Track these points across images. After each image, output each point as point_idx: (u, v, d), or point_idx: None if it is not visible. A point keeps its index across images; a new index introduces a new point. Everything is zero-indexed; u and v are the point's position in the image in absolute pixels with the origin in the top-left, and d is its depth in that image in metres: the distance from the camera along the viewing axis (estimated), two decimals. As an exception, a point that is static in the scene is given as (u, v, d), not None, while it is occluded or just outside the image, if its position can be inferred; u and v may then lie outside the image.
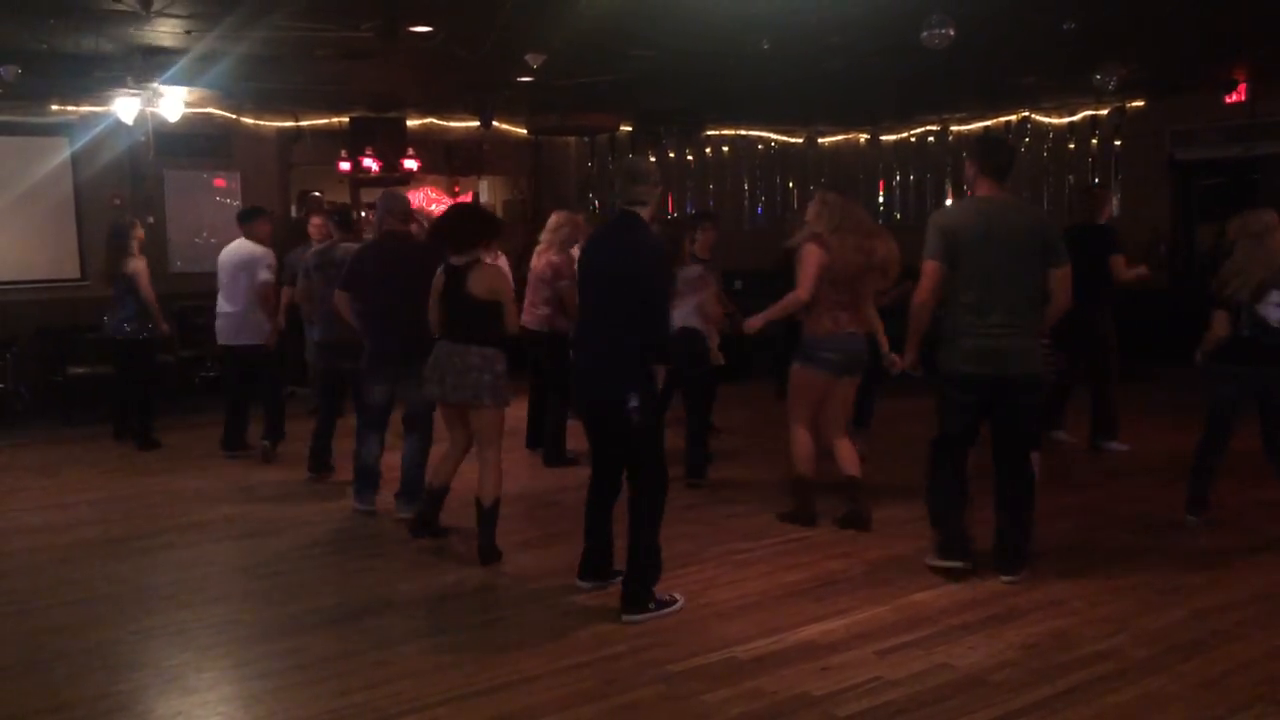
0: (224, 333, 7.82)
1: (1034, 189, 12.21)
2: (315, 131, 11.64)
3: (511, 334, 5.37)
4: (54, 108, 10.12)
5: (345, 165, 11.61)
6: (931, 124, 13.37)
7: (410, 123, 11.91)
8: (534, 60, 8.26)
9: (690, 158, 13.84)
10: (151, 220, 10.38)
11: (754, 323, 5.83)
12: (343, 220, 7.48)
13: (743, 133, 13.88)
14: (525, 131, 12.66)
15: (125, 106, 9.28)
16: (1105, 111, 11.80)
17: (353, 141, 11.55)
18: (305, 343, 8.47)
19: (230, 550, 5.69)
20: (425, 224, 7.59)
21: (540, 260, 7.22)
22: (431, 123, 12.28)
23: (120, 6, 6.63)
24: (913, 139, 13.74)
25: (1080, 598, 4.63)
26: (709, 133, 13.61)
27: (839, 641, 4.20)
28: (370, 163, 11.49)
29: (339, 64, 8.71)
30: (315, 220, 8.04)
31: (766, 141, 14.11)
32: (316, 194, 11.60)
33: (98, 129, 10.17)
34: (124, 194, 10.45)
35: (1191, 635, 4.21)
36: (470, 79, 9.60)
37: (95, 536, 5.92)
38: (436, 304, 5.29)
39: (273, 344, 7.84)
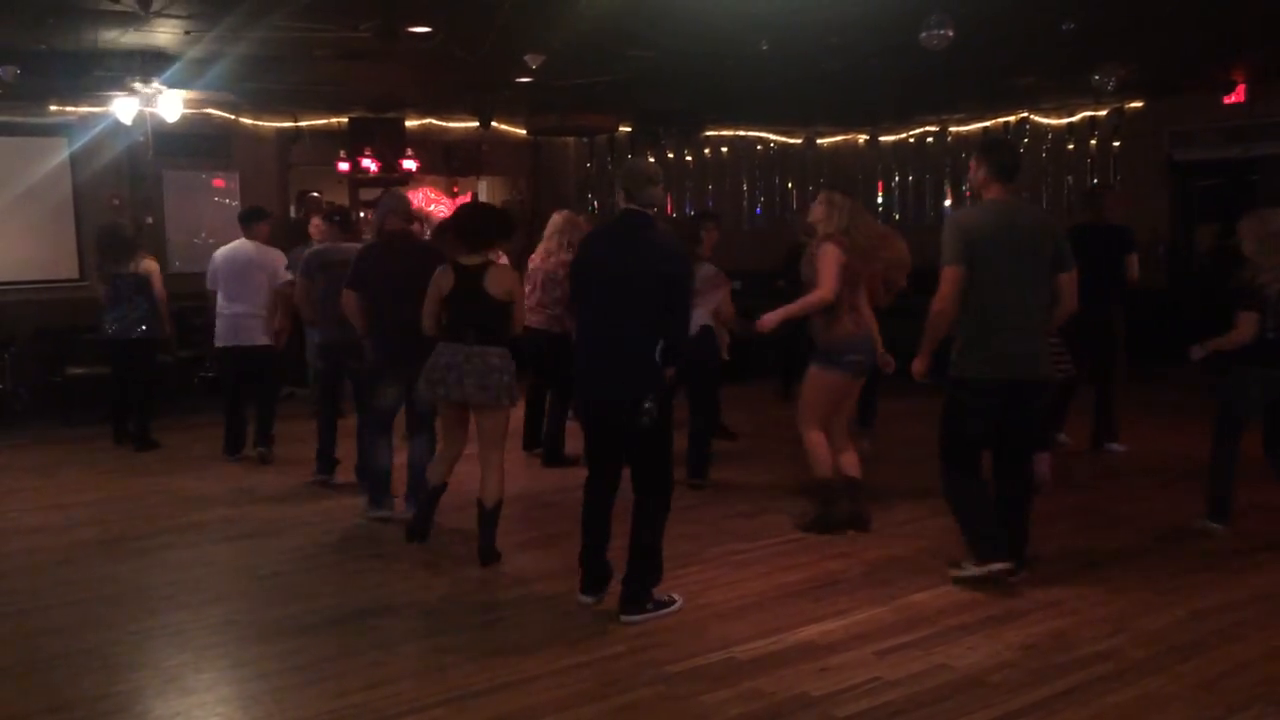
0: (227, 334, 7.67)
1: (1033, 190, 12.21)
2: (314, 132, 11.64)
3: (516, 334, 5.37)
4: (53, 108, 10.12)
5: (344, 166, 11.61)
6: (930, 125, 13.38)
7: (409, 123, 11.91)
8: (533, 61, 8.26)
9: (689, 158, 13.84)
10: (150, 221, 10.39)
11: (769, 320, 5.64)
12: (343, 221, 7.44)
13: (742, 133, 13.89)
14: (524, 132, 12.65)
15: (124, 107, 9.26)
16: (1104, 112, 11.81)
17: (352, 142, 11.55)
18: (305, 344, 8.50)
19: (229, 551, 5.69)
20: (426, 224, 7.59)
21: (551, 260, 7.17)
22: (430, 123, 12.28)
23: (119, 7, 6.63)
24: (911, 140, 13.74)
25: (1079, 598, 4.63)
26: (708, 133, 13.62)
27: (838, 642, 4.20)
28: (369, 163, 11.50)
29: (338, 64, 8.72)
30: (316, 221, 8.02)
31: (765, 142, 14.12)
32: (315, 194, 11.59)
33: (96, 129, 10.16)
34: (123, 194, 10.45)
35: (1190, 636, 4.21)
36: (469, 79, 9.61)
37: (94, 537, 5.91)
38: (438, 305, 5.23)
39: (281, 344, 7.83)
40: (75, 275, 10.25)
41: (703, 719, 3.60)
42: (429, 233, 8.12)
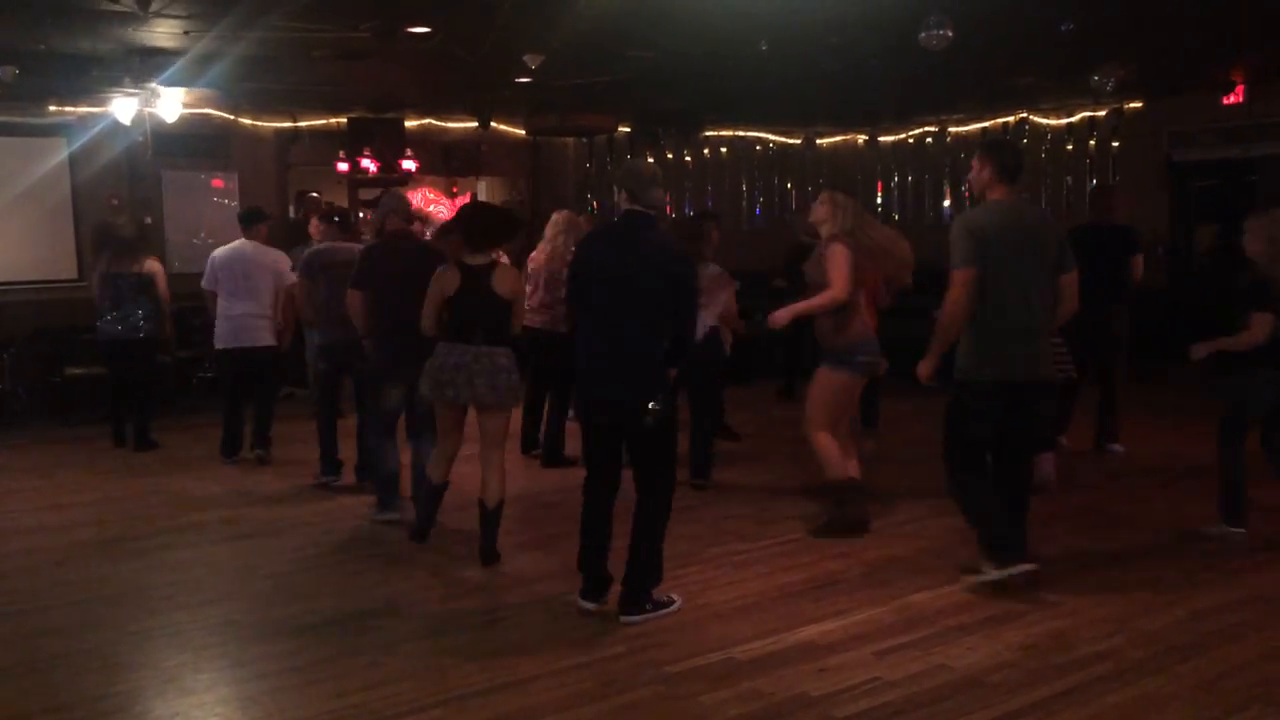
0: (230, 335, 7.53)
1: (1032, 191, 12.22)
2: (313, 132, 11.64)
3: (516, 334, 5.37)
4: (52, 108, 10.11)
5: (343, 166, 11.61)
6: (930, 125, 13.38)
7: (408, 123, 11.91)
8: (532, 61, 8.26)
9: (689, 158, 13.85)
10: (149, 221, 10.38)
11: (780, 317, 5.59)
12: (342, 221, 7.43)
13: (741, 134, 13.89)
14: (524, 132, 12.66)
15: (123, 107, 9.27)
16: (1103, 113, 11.81)
17: (351, 142, 11.55)
18: (304, 344, 8.48)
19: (228, 551, 5.68)
20: (426, 224, 7.58)
21: (558, 260, 7.12)
22: (430, 123, 12.28)
23: (118, 7, 6.62)
24: (911, 140, 13.74)
25: (1078, 599, 4.63)
26: (707, 133, 13.62)
27: (837, 642, 4.20)
28: (368, 163, 11.50)
29: (337, 64, 8.71)
30: (315, 221, 8.01)
31: (765, 142, 14.12)
32: (314, 194, 11.59)
33: (95, 129, 10.15)
34: (122, 194, 10.44)
35: (1189, 636, 4.22)
36: (469, 80, 9.61)
37: (92, 538, 5.91)
38: (440, 305, 5.20)
39: (286, 345, 7.81)
40: (74, 275, 10.24)
41: (702, 719, 3.60)
42: (429, 233, 8.10)
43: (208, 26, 7.28)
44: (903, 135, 13.77)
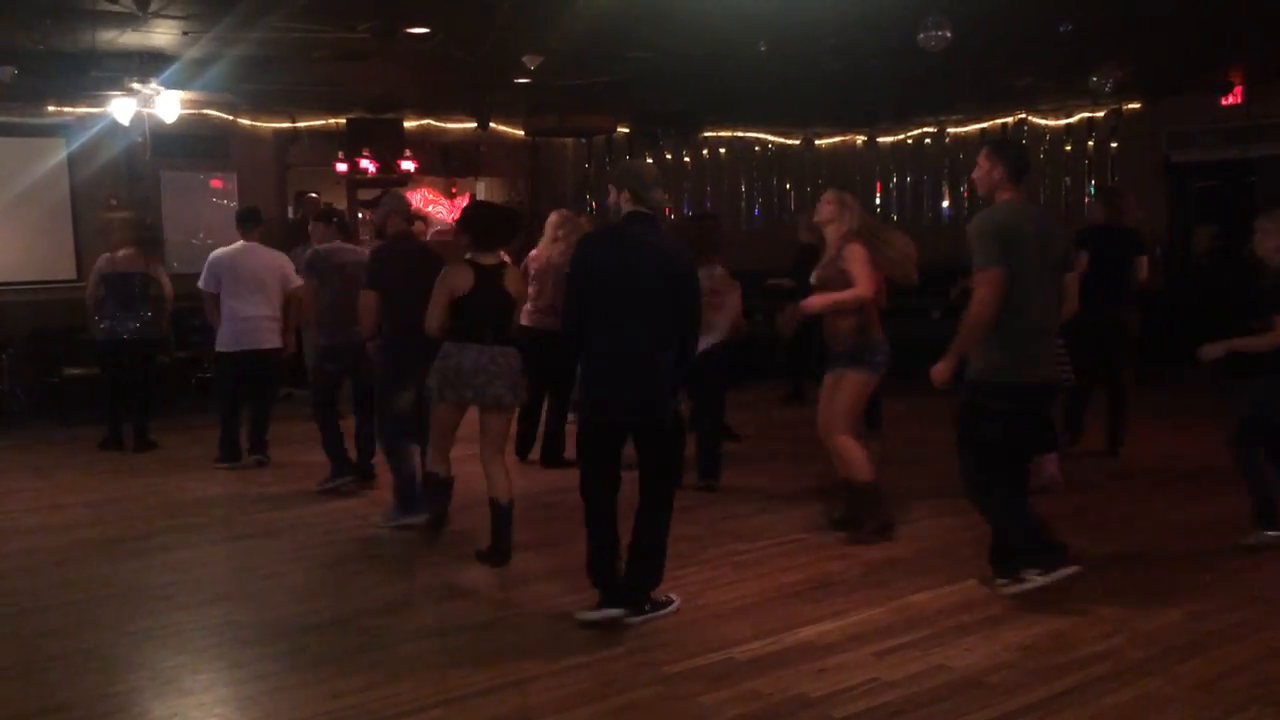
0: (237, 338, 7.35)
1: (1031, 192, 12.22)
2: (312, 133, 11.65)
3: (514, 334, 5.38)
4: (50, 108, 10.12)
5: (342, 166, 11.61)
6: (929, 126, 13.39)
7: (407, 124, 11.91)
8: (531, 61, 8.27)
9: (688, 159, 13.86)
10: (148, 221, 10.38)
11: (815, 302, 5.48)
12: (341, 222, 7.41)
13: (740, 134, 13.91)
14: (523, 133, 12.67)
15: (122, 107, 9.26)
16: (1102, 114, 11.83)
17: (350, 143, 11.56)
18: (305, 345, 8.47)
19: (227, 552, 5.68)
20: (427, 224, 7.56)
21: (565, 260, 7.05)
22: (429, 124, 12.29)
23: (117, 7, 6.63)
24: (910, 141, 13.76)
25: (1077, 599, 4.62)
26: (706, 134, 13.64)
27: (836, 643, 4.20)
28: (367, 164, 11.50)
29: (336, 65, 8.72)
30: (314, 221, 7.98)
31: (764, 143, 14.13)
32: (313, 195, 11.60)
33: (94, 130, 10.16)
34: (120, 195, 10.44)
35: (1188, 637, 4.21)
36: (468, 80, 9.61)
37: (91, 538, 5.90)
38: (448, 305, 5.16)
39: (292, 348, 7.78)
40: (73, 276, 10.24)
41: (701, 719, 3.59)
42: (430, 233, 8.10)
43: (207, 27, 7.29)
44: (902, 136, 13.79)
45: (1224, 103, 10.74)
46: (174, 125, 9.83)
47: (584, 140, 13.06)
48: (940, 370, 4.59)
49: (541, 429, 7.50)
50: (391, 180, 11.34)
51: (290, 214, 11.65)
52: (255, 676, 3.99)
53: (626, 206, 4.46)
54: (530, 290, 6.99)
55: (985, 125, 12.82)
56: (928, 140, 13.52)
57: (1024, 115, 12.39)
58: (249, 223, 7.61)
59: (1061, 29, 7.46)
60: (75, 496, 6.89)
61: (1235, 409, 5.41)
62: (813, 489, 6.50)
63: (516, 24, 7.23)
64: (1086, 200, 11.67)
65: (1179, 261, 11.56)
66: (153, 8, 6.65)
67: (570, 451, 7.16)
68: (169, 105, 9.33)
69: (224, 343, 7.43)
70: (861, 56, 8.56)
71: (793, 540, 5.60)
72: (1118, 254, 7.10)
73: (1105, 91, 9.50)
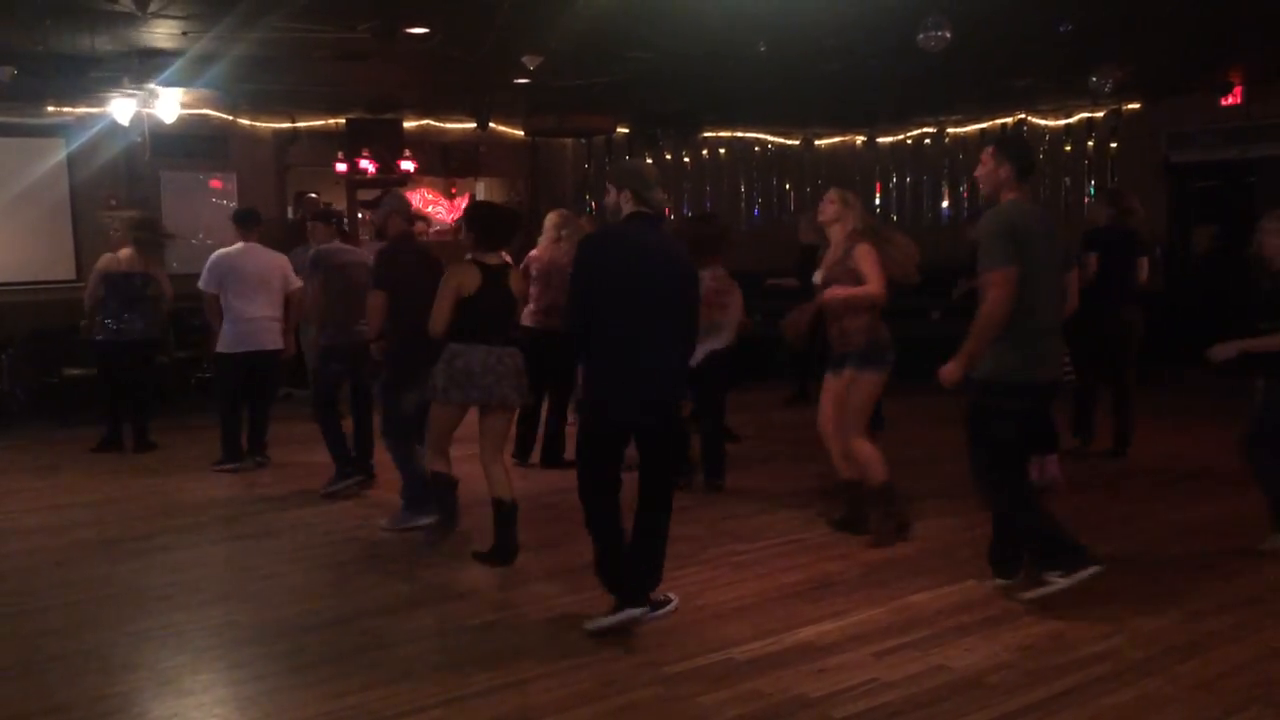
0: (241, 339, 7.31)
1: (1031, 191, 12.22)
2: (312, 133, 11.65)
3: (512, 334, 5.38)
4: (50, 109, 10.12)
5: (342, 167, 11.61)
6: (928, 126, 13.39)
7: (407, 124, 11.91)
8: (531, 62, 8.27)
9: (687, 159, 13.86)
10: (158, 222, 10.38)
11: (835, 294, 5.45)
12: (340, 223, 7.41)
13: (739, 135, 13.90)
14: (522, 133, 12.66)
15: (121, 107, 9.27)
16: (1101, 114, 11.83)
17: (349, 143, 11.56)
18: (304, 345, 8.46)
19: (226, 552, 5.68)
20: (428, 224, 7.55)
21: (569, 260, 7.00)
22: (428, 124, 12.29)
23: (116, 7, 6.63)
24: (909, 141, 13.75)
25: (1077, 599, 4.61)
26: (706, 134, 13.63)
27: (835, 643, 4.20)
28: (367, 164, 11.50)
29: (336, 65, 8.72)
30: (313, 222, 7.98)
31: (763, 143, 14.13)
32: (313, 195, 11.60)
33: (94, 130, 10.17)
34: (120, 195, 10.44)
35: (1188, 637, 4.22)
36: (467, 80, 9.61)
37: (91, 538, 5.90)
38: (454, 305, 5.14)
39: (293, 348, 7.77)
40: (72, 276, 10.24)
41: (701, 720, 3.60)
42: (430, 233, 8.10)
43: (206, 27, 7.28)
44: (901, 136, 13.78)
45: (1223, 103, 10.74)
46: (173, 125, 9.84)
47: (584, 140, 13.06)
48: (950, 371, 4.53)
49: (541, 430, 7.49)
50: (391, 180, 11.33)
51: (290, 214, 11.65)
52: (255, 677, 3.99)
53: (628, 207, 4.43)
54: (532, 291, 6.99)
55: (985, 126, 12.82)
56: (927, 141, 13.52)
57: (1024, 115, 12.39)
58: (248, 223, 7.57)
59: (1061, 29, 7.47)
60: (75, 497, 6.89)
61: (1249, 410, 5.39)
62: (813, 489, 6.50)
63: (516, 24, 7.23)
64: (1086, 201, 11.68)
65: (1179, 262, 11.56)
66: (152, 8, 6.66)
67: (570, 453, 7.17)
68: (168, 105, 9.34)
69: (227, 344, 7.39)
70: (861, 57, 8.56)
71: (793, 540, 5.60)
72: (1124, 255, 7.13)
73: (1105, 92, 9.51)
